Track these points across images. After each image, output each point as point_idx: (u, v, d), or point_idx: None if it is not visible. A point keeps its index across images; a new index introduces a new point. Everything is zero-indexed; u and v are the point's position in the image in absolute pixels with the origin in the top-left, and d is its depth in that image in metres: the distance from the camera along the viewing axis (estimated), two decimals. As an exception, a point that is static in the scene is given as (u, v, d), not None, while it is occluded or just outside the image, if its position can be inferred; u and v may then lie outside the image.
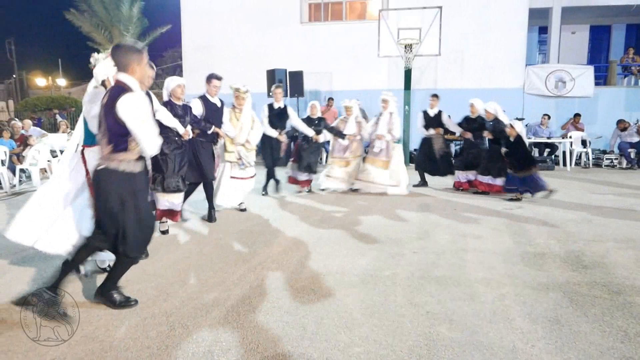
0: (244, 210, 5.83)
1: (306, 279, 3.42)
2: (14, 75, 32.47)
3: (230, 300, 3.03)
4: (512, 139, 6.27)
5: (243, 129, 5.59)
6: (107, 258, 3.31)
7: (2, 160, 7.76)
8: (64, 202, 3.14)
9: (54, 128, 13.09)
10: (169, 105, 4.65)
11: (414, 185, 7.62)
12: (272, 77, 11.02)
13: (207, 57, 13.25)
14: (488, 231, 4.77)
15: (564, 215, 5.46)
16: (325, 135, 7.10)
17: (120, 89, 2.57)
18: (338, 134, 7.03)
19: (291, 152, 7.22)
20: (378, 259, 3.91)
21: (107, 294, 2.90)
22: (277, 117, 6.56)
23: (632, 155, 10.37)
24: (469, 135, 7.01)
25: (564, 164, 10.47)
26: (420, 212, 5.79)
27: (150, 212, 2.92)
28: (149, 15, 18.85)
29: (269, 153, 6.65)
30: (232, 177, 5.69)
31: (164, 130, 4.19)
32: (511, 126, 6.28)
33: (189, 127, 4.72)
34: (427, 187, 7.66)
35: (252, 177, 5.88)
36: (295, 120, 6.70)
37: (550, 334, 2.56)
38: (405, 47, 10.10)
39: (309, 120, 6.90)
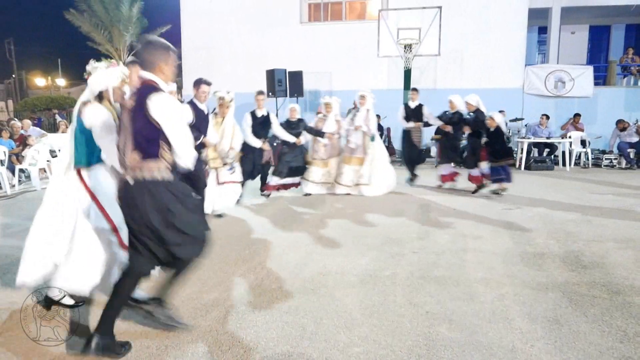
0: (221, 216, 5.59)
1: (306, 279, 3.42)
2: (14, 75, 32.48)
3: (230, 300, 3.04)
4: (492, 129, 6.57)
5: (225, 136, 5.42)
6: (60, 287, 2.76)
7: (1, 161, 7.75)
8: (70, 232, 2.74)
9: (53, 128, 13.10)
10: None
11: (410, 184, 7.64)
12: (272, 77, 11.02)
13: (206, 57, 13.25)
14: (487, 231, 4.78)
15: (563, 215, 5.47)
16: (306, 137, 6.91)
17: (150, 88, 2.27)
18: (317, 133, 6.84)
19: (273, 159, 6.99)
20: (378, 259, 3.91)
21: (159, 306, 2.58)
22: (261, 125, 6.27)
23: (632, 155, 10.38)
24: (448, 128, 7.24)
25: (564, 164, 10.48)
26: (420, 212, 5.79)
27: (200, 210, 2.65)
28: (149, 16, 18.84)
29: (250, 162, 6.24)
30: (220, 184, 5.52)
31: None
32: (491, 118, 6.56)
33: None
34: (419, 179, 7.76)
35: (241, 182, 5.80)
36: (276, 129, 6.45)
37: (549, 334, 2.56)
38: (405, 47, 10.10)
39: (288, 124, 6.74)
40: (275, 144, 7.01)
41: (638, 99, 12.21)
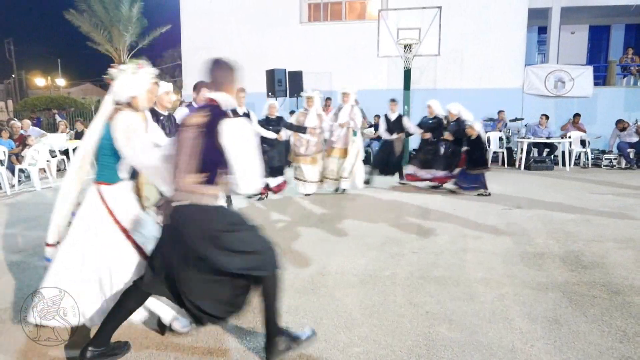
0: None
1: (305, 279, 3.42)
2: (13, 75, 32.47)
3: (230, 301, 3.03)
4: (473, 138, 6.72)
5: None
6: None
7: (1, 161, 7.74)
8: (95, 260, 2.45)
9: (53, 128, 13.09)
10: (152, 114, 3.86)
11: (364, 184, 7.58)
12: (272, 77, 11.02)
13: (206, 57, 13.10)
14: (487, 231, 4.78)
15: (563, 215, 5.47)
16: (287, 133, 6.75)
17: (222, 111, 2.17)
18: (298, 129, 6.68)
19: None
20: (377, 259, 3.91)
21: (273, 341, 2.31)
22: None
23: (631, 155, 10.38)
24: (428, 135, 7.31)
25: (563, 164, 10.48)
26: (420, 212, 5.79)
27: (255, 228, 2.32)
28: (149, 16, 18.84)
29: None
30: None
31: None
32: (471, 127, 6.71)
33: None
34: (370, 185, 7.66)
35: None
36: (255, 127, 6.20)
37: (549, 334, 2.56)
38: (405, 47, 10.11)
39: (267, 121, 6.54)
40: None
41: (638, 99, 12.21)
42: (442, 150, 7.22)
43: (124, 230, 2.46)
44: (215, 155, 2.10)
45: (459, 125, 6.90)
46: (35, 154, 7.97)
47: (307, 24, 13.39)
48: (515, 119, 11.61)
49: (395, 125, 7.54)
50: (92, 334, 2.40)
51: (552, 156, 10.78)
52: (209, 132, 2.09)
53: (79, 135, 10.85)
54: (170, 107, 4.16)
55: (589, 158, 10.79)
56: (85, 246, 2.43)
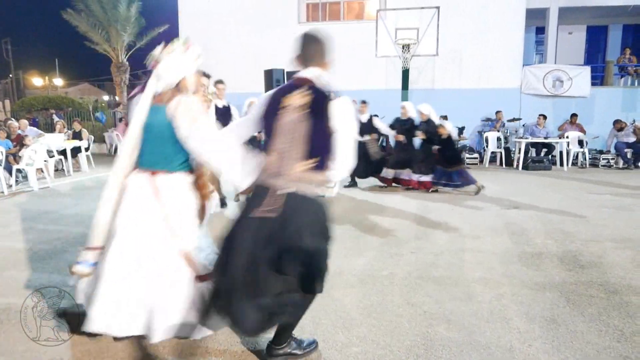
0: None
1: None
2: (11, 75, 32.37)
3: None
4: (443, 137, 6.91)
5: None
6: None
7: (-2, 161, 7.72)
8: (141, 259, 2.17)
9: (50, 128, 13.06)
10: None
11: (345, 187, 7.62)
12: (270, 77, 11.01)
13: (204, 57, 13.19)
14: (486, 231, 4.79)
15: (561, 215, 5.48)
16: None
17: (325, 90, 2.02)
18: None
19: None
20: (376, 259, 3.91)
21: (280, 345, 2.26)
22: (222, 116, 5.91)
23: (629, 156, 10.42)
24: (401, 137, 7.34)
25: (561, 164, 10.51)
26: (419, 212, 5.80)
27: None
28: (147, 16, 18.78)
29: None
30: None
31: None
32: (442, 126, 6.90)
33: None
34: (356, 187, 7.70)
35: None
36: (236, 122, 6.17)
37: (547, 334, 2.57)
38: (403, 47, 10.12)
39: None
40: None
41: (635, 99, 12.25)
42: (416, 151, 7.30)
43: (173, 231, 2.18)
44: (323, 138, 1.94)
45: (430, 125, 7.03)
46: (32, 154, 7.95)
47: (306, 24, 13.39)
48: (513, 119, 11.64)
49: (366, 127, 7.44)
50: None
51: (549, 156, 10.82)
52: (316, 113, 1.92)
53: (76, 135, 10.83)
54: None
55: (587, 158, 10.82)
56: (140, 248, 2.15)
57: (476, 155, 11.31)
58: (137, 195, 2.18)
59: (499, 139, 11.12)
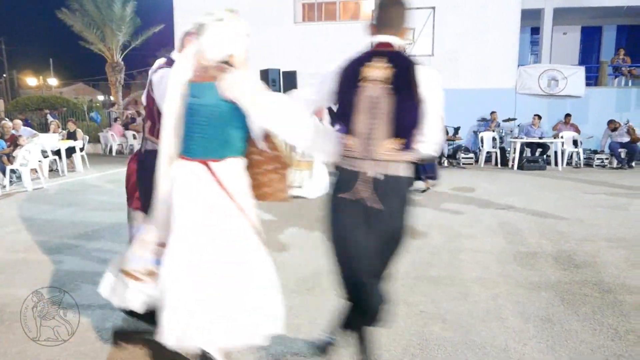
0: None
1: (300, 279, 3.42)
2: (5, 75, 32.16)
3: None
4: None
5: None
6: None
7: (-8, 161, 7.67)
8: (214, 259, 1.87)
9: (44, 128, 12.98)
10: None
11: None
12: (266, 76, 10.99)
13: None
14: (482, 231, 4.80)
15: (556, 215, 5.51)
16: None
17: (407, 57, 1.81)
18: None
19: None
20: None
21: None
22: None
23: (623, 155, 10.49)
24: None
25: (556, 164, 10.56)
26: (414, 212, 5.79)
27: None
28: (142, 15, 18.73)
29: None
30: None
31: None
32: None
33: None
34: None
35: None
36: None
37: (542, 333, 2.58)
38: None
39: None
40: None
41: (629, 99, 12.34)
42: None
43: (250, 220, 1.93)
44: (412, 114, 1.73)
45: None
46: (26, 154, 7.89)
47: (302, 24, 13.39)
48: (508, 119, 11.69)
49: None
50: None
51: (544, 156, 10.87)
52: (401, 84, 1.71)
53: (71, 136, 10.76)
54: None
55: (581, 158, 10.88)
56: (213, 245, 1.85)
57: (471, 155, 11.35)
58: (193, 186, 1.86)
59: (494, 139, 11.16)
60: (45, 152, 9.17)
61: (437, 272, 3.56)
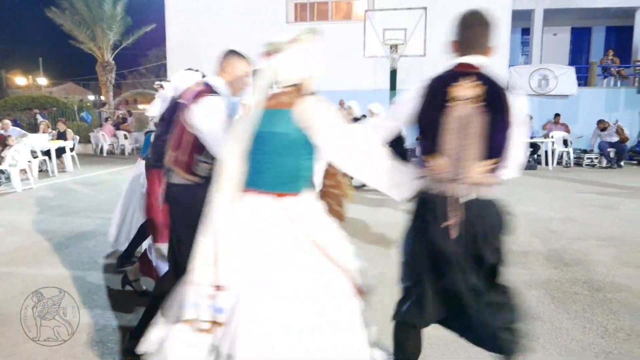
0: None
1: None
2: (-7, 74, 31.71)
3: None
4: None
5: None
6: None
7: (-20, 161, 7.56)
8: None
9: (34, 128, 12.83)
10: None
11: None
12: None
13: (192, 56, 13.13)
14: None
15: (547, 213, 5.56)
16: None
17: (494, 79, 1.76)
18: None
19: None
20: (365, 258, 3.90)
21: None
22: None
23: (612, 155, 10.61)
24: None
25: (546, 164, 10.66)
26: (405, 211, 5.82)
27: None
28: (133, 14, 18.59)
29: None
30: None
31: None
32: None
33: None
34: None
35: None
36: None
37: (532, 331, 2.60)
38: (391, 47, 10.15)
39: None
40: None
41: (618, 99, 12.49)
42: None
43: (330, 257, 1.77)
44: (503, 134, 1.67)
45: None
46: (15, 155, 7.80)
47: (294, 24, 13.37)
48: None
49: None
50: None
51: (535, 155, 10.96)
52: (494, 106, 1.66)
53: (61, 136, 10.65)
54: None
55: (571, 157, 10.99)
56: (291, 287, 1.63)
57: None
58: (265, 221, 1.68)
59: (485, 138, 11.24)
60: (35, 152, 9.07)
61: (429, 272, 3.57)
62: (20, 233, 4.75)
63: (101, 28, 17.34)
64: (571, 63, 14.80)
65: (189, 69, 2.92)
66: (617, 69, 13.28)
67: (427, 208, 1.77)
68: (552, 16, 13.87)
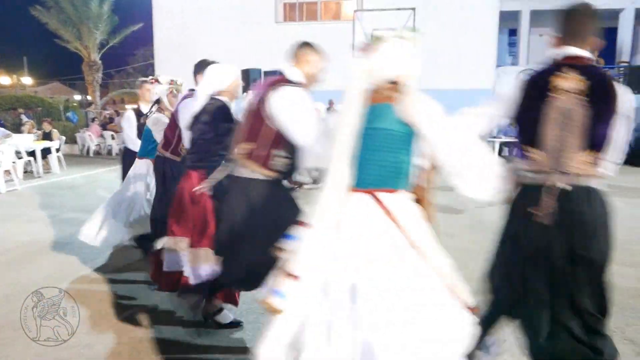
0: None
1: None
2: (-24, 73, 31.12)
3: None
4: None
5: None
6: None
7: (-38, 162, 7.41)
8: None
9: (19, 129, 12.63)
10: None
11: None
12: (247, 77, 10.94)
13: (179, 56, 13.04)
14: (461, 229, 4.86)
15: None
16: None
17: (602, 71, 1.78)
18: None
19: None
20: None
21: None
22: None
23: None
24: None
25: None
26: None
27: None
28: (120, 13, 18.39)
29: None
30: None
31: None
32: None
33: None
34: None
35: None
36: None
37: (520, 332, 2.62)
38: (380, 47, 10.23)
39: None
40: None
41: (602, 99, 12.71)
42: None
43: (429, 262, 1.78)
44: (606, 128, 1.65)
45: None
46: (-1, 155, 7.66)
47: (283, 24, 13.36)
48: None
49: None
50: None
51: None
52: (598, 98, 1.64)
53: (46, 136, 10.49)
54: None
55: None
56: (380, 289, 1.59)
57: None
58: (362, 220, 1.64)
59: (473, 138, 11.35)
60: (20, 153, 8.92)
61: (418, 271, 3.59)
62: (4, 236, 4.66)
63: (87, 27, 17.13)
64: (557, 64, 15.03)
65: (221, 64, 2.68)
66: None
67: (520, 196, 1.79)
68: (539, 17, 14.06)
